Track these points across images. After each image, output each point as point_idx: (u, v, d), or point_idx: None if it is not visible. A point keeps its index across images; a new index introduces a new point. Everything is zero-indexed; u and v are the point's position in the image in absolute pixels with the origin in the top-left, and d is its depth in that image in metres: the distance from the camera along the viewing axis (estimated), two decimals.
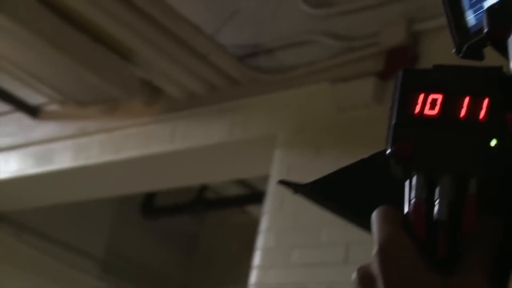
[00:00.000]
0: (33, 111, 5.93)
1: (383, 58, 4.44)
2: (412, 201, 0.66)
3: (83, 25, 4.87)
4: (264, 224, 4.57)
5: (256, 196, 5.84)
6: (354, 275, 0.67)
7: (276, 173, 4.66)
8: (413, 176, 0.68)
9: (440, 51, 3.65)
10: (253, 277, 4.44)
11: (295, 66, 4.83)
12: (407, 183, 0.69)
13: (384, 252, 0.64)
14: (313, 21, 4.72)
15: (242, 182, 6.35)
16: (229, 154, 5.14)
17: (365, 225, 0.72)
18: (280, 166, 4.66)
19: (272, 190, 4.63)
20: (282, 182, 0.85)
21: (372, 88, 4.37)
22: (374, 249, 0.65)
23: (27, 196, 6.22)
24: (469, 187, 0.67)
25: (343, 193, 0.83)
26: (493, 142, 0.67)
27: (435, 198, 0.66)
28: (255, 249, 4.53)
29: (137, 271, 7.45)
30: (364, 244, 4.03)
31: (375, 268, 0.64)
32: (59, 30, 4.88)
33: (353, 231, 4.15)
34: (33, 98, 5.90)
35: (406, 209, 0.67)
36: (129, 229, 7.31)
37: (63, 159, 5.70)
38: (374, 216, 0.68)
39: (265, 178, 4.80)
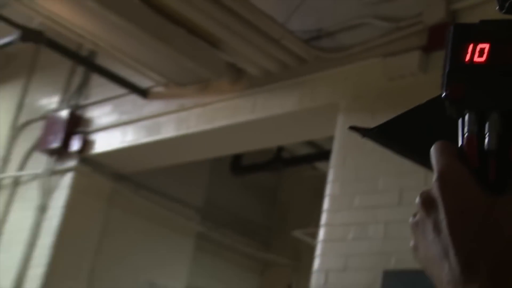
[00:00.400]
0: (143, 93, 5.99)
1: (426, 34, 4.33)
2: (465, 135, 0.65)
3: (179, 21, 4.89)
4: (330, 176, 4.51)
5: (323, 154, 5.79)
6: (417, 199, 0.65)
7: (339, 134, 4.60)
8: (465, 114, 0.66)
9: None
10: (323, 219, 4.41)
11: (352, 45, 4.75)
12: (460, 121, 0.66)
13: (443, 178, 0.63)
14: (366, 7, 4.66)
15: (311, 143, 6.32)
16: (300, 120, 5.10)
17: (424, 161, 0.70)
18: (342, 128, 4.56)
19: (337, 148, 4.58)
20: (352, 128, 0.82)
21: (417, 60, 4.27)
22: (434, 176, 0.63)
23: (141, 160, 6.28)
24: None
25: (404, 134, 0.80)
26: None
27: (485, 132, 0.64)
28: (324, 196, 4.47)
29: (229, 218, 7.50)
30: (414, 189, 3.94)
31: (435, 192, 0.62)
32: (160, 25, 4.91)
33: (405, 179, 4.09)
34: (143, 82, 5.96)
35: (460, 143, 0.65)
36: (222, 184, 7.35)
37: (168, 130, 5.75)
38: (433, 149, 0.66)
39: (330, 139, 4.74)
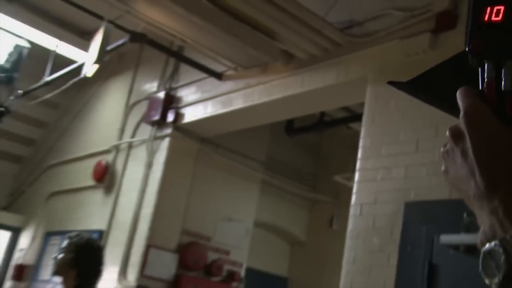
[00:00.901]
0: (218, 76, 6.00)
1: (434, 20, 4.21)
2: (485, 80, 0.62)
3: (244, 19, 4.85)
4: (362, 133, 4.47)
5: (356, 116, 5.70)
6: (447, 132, 0.64)
7: (368, 100, 4.53)
8: (485, 64, 0.63)
9: None
10: (358, 165, 4.38)
11: (376, 31, 4.65)
12: (480, 70, 0.63)
13: (468, 114, 0.61)
14: (386, 1, 4.57)
15: (346, 108, 6.23)
16: (337, 91, 5.03)
17: (449, 108, 0.67)
18: (370, 95, 4.52)
19: (366, 111, 4.51)
20: (390, 83, 0.80)
21: (428, 40, 4.17)
22: (461, 113, 0.62)
23: (218, 126, 6.31)
24: None
25: (432, 86, 0.75)
26: None
27: (502, 77, 0.61)
28: (357, 148, 4.44)
29: (285, 168, 7.56)
30: (427, 140, 3.93)
31: (462, 125, 0.61)
32: (230, 23, 4.88)
33: (420, 132, 4.00)
34: (218, 68, 5.96)
35: (481, 87, 0.63)
36: (279, 143, 7.32)
37: (237, 103, 5.76)
38: (459, 93, 0.63)
39: (361, 104, 4.66)
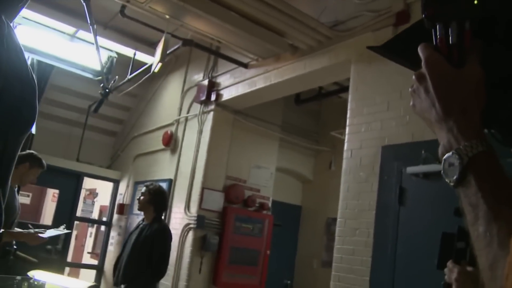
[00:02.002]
0: (245, 65, 5.94)
1: (394, 17, 4.13)
2: (438, 37, 0.60)
3: (261, 23, 4.76)
4: (349, 99, 4.41)
5: (344, 88, 5.69)
6: (413, 76, 0.61)
7: (352, 76, 4.45)
8: (437, 25, 0.61)
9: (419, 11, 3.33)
10: (347, 122, 4.34)
11: (355, 27, 4.57)
12: (433, 30, 0.61)
13: (427, 61, 0.59)
14: (361, 6, 4.47)
15: (337, 83, 6.16)
16: (330, 70, 4.92)
17: (412, 64, 0.64)
18: (353, 72, 4.46)
19: (352, 84, 4.42)
20: (368, 47, 0.76)
21: (391, 31, 4.08)
22: (422, 61, 0.60)
23: (246, 101, 6.24)
24: (465, 26, 0.59)
25: (399, 47, 0.71)
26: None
27: (449, 34, 0.59)
28: (347, 110, 4.39)
29: (295, 128, 7.50)
30: (396, 101, 3.88)
31: (423, 69, 0.59)
32: (252, 27, 4.78)
33: (390, 94, 3.92)
34: (244, 59, 5.91)
35: (435, 42, 0.61)
36: (290, 110, 7.24)
37: (260, 84, 5.69)
38: (419, 48, 0.61)
39: (348, 79, 4.57)
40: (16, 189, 3.54)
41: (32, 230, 3.32)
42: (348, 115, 4.31)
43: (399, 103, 3.86)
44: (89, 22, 5.04)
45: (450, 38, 0.60)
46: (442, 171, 0.56)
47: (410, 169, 3.47)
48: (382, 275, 3.53)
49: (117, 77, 6.42)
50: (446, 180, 0.56)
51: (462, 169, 0.53)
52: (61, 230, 3.63)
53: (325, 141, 7.50)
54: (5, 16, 0.81)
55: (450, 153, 0.55)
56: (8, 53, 0.80)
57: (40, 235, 3.29)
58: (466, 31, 0.59)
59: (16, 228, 3.30)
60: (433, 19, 0.61)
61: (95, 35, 5.46)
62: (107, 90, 6.42)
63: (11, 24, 0.83)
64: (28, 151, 3.71)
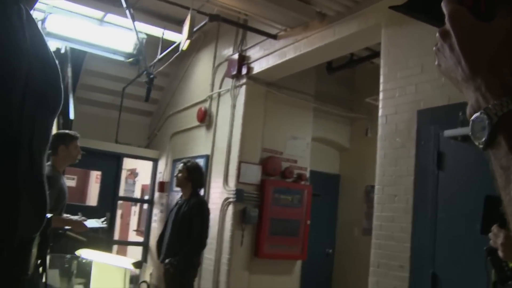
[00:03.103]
0: (274, 37, 5.90)
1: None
2: None
3: None
4: (382, 64, 4.35)
5: (376, 54, 5.48)
6: (437, 34, 0.57)
7: (383, 40, 4.37)
8: None
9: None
10: (381, 87, 4.29)
11: None
12: None
13: (451, 16, 0.54)
14: None
15: (368, 48, 6.01)
16: (360, 36, 4.82)
17: (436, 21, 0.59)
18: (384, 36, 4.37)
19: (383, 48, 4.36)
20: (391, 7, 0.71)
21: None
22: (446, 17, 0.55)
23: (278, 72, 6.19)
24: None
25: (424, 3, 0.65)
26: None
27: None
28: (379, 75, 4.33)
29: (330, 97, 7.39)
30: (430, 62, 3.78)
31: (447, 25, 0.54)
32: None
33: (424, 57, 3.87)
34: (273, 31, 5.88)
35: None
36: (323, 79, 7.13)
37: (289, 54, 5.64)
38: (443, 3, 0.56)
39: (379, 44, 4.50)
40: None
41: (78, 217, 3.53)
42: (381, 81, 4.25)
43: (434, 65, 3.64)
44: (124, 5, 5.17)
45: None
46: (470, 133, 0.53)
47: (448, 133, 3.41)
48: (423, 241, 3.54)
49: (155, 60, 6.54)
50: (475, 143, 0.52)
51: (491, 130, 0.49)
52: (100, 224, 3.78)
53: (360, 108, 7.41)
54: (24, 4, 0.84)
55: (479, 112, 0.51)
56: (30, 39, 0.82)
57: (84, 223, 3.50)
58: None
59: (64, 214, 3.52)
60: None
61: (133, 19, 5.59)
62: (151, 76, 6.57)
63: (31, 12, 0.86)
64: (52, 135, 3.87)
